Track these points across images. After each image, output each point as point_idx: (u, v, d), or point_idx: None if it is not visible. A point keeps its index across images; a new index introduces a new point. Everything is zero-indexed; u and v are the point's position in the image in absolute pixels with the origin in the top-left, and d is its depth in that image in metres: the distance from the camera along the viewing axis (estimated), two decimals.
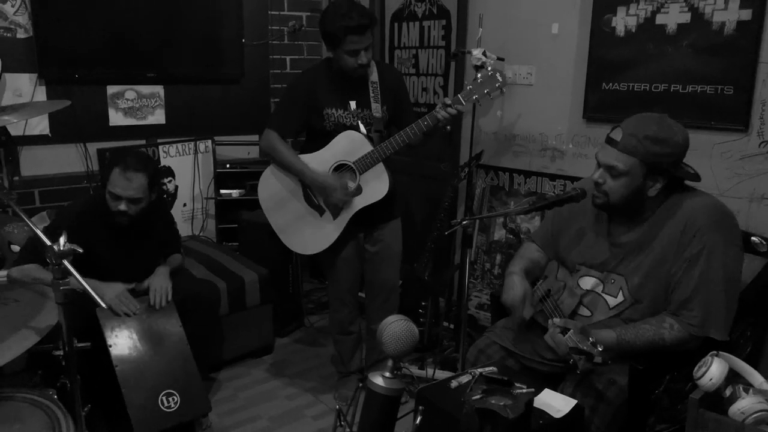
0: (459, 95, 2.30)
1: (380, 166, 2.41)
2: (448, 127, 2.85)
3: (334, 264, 2.63)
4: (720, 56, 2.27)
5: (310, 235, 2.54)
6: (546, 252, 2.13)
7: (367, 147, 2.40)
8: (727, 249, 1.72)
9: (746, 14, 2.19)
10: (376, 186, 2.42)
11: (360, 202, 2.44)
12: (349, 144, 2.42)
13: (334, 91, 2.45)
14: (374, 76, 2.48)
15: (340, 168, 2.45)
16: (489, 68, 2.30)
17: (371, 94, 2.47)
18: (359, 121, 2.46)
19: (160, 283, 2.50)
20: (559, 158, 2.89)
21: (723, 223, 1.75)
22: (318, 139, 2.48)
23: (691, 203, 1.77)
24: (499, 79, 2.28)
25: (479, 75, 2.30)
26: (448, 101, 2.29)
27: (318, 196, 2.49)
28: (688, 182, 1.84)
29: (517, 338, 2.03)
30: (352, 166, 2.42)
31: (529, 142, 3.00)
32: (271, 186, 2.58)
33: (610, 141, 1.78)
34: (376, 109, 2.47)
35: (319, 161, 2.46)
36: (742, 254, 1.79)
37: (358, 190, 2.43)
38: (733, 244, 1.75)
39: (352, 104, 2.46)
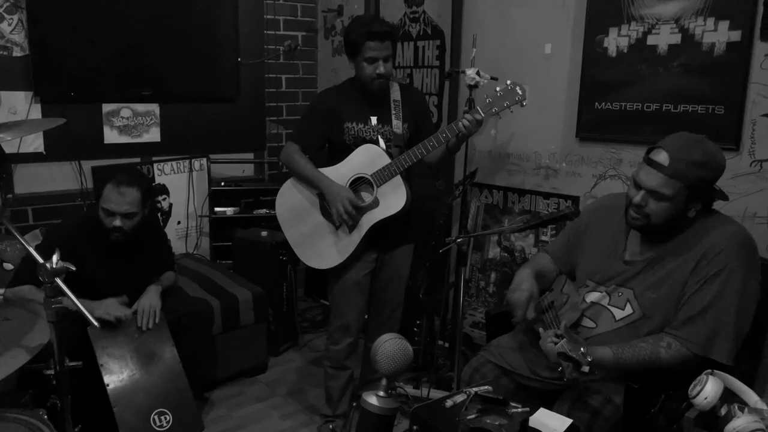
0: (477, 107, 2.30)
1: (398, 179, 2.39)
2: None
3: (346, 288, 2.54)
4: (710, 76, 2.31)
5: (325, 248, 2.50)
6: (558, 264, 2.13)
7: (385, 160, 2.39)
8: (747, 278, 1.71)
9: (735, 35, 2.23)
10: (393, 199, 2.40)
11: (377, 215, 2.41)
12: (367, 157, 2.42)
13: (356, 106, 2.47)
14: (396, 95, 2.50)
15: (358, 181, 2.44)
16: (508, 82, 2.31)
17: (393, 112, 2.48)
18: (379, 136, 2.46)
19: (148, 302, 2.48)
20: (552, 177, 2.91)
21: (747, 252, 1.73)
22: (338, 153, 2.48)
23: (716, 226, 1.76)
24: (519, 92, 2.29)
25: (498, 88, 2.30)
26: (467, 110, 2.30)
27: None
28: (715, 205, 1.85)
29: (513, 356, 2.02)
30: (370, 178, 2.40)
31: (523, 161, 3.02)
32: (289, 200, 2.57)
33: (653, 163, 1.73)
34: (397, 125, 2.47)
35: (337, 174, 2.45)
36: (759, 288, 1.76)
37: (375, 203, 2.42)
38: (754, 275, 1.73)
39: (373, 120, 2.46)
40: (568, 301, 1.95)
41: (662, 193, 1.71)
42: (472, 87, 2.77)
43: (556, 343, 1.70)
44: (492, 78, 2.76)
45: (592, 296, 1.92)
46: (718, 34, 2.27)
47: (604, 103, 2.63)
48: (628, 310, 1.83)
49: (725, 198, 1.80)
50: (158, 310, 2.48)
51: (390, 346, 1.36)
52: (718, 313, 1.68)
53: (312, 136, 2.52)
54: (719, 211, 1.85)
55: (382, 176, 2.39)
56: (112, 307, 2.38)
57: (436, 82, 3.40)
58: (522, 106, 2.32)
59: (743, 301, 1.70)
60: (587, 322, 1.89)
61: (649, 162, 1.74)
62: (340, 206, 2.39)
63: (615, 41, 2.57)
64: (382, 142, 2.46)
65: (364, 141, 2.45)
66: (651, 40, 2.46)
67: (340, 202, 2.39)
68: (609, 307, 1.87)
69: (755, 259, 1.75)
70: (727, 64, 2.26)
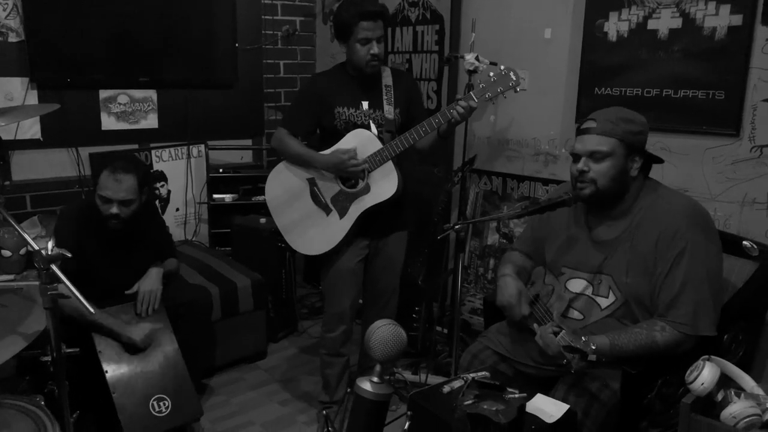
0: (471, 92, 2.28)
1: (389, 165, 2.38)
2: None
3: (339, 275, 2.54)
4: (711, 61, 2.28)
5: (315, 234, 2.49)
6: (531, 258, 2.13)
7: (377, 145, 2.37)
8: (708, 247, 1.77)
9: (737, 20, 2.20)
10: (384, 185, 2.38)
11: (368, 201, 2.40)
12: (358, 142, 2.40)
13: (347, 91, 2.45)
14: (388, 80, 2.48)
15: None
16: (502, 67, 2.28)
17: (384, 96, 2.46)
18: (370, 121, 2.44)
19: (148, 287, 2.47)
20: (552, 163, 2.90)
21: (701, 223, 1.79)
22: (329, 138, 2.47)
23: (667, 203, 1.81)
24: (513, 77, 2.27)
25: (492, 74, 2.28)
26: (460, 97, 2.28)
27: (324, 193, 2.47)
28: (662, 182, 1.90)
29: (511, 342, 2.03)
30: None
31: (522, 147, 3.01)
32: (278, 186, 2.56)
33: (584, 131, 1.83)
34: (389, 110, 2.46)
35: None
36: (721, 252, 1.83)
37: (366, 189, 2.40)
38: (713, 242, 1.79)
39: (365, 104, 2.45)
40: (554, 292, 1.95)
41: (600, 150, 1.79)
42: (472, 72, 2.75)
43: (556, 335, 1.70)
44: (491, 63, 2.74)
45: (575, 284, 1.92)
46: (719, 18, 2.25)
47: (603, 89, 2.61)
48: (611, 297, 1.84)
49: (660, 161, 1.88)
50: (158, 296, 2.48)
51: (383, 332, 1.36)
52: (694, 290, 1.73)
53: (302, 121, 2.51)
54: (661, 183, 1.90)
55: (374, 162, 2.37)
56: (146, 334, 2.37)
57: (435, 68, 3.37)
58: (516, 91, 2.30)
59: (711, 270, 1.76)
60: (575, 314, 1.90)
61: (581, 132, 1.85)
62: (349, 168, 2.36)
63: (615, 26, 2.54)
64: (373, 127, 2.44)
65: (356, 126, 2.43)
66: (652, 24, 2.43)
67: (345, 167, 2.36)
68: (594, 297, 1.88)
69: (709, 226, 1.82)
70: (728, 49, 2.24)
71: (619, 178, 1.81)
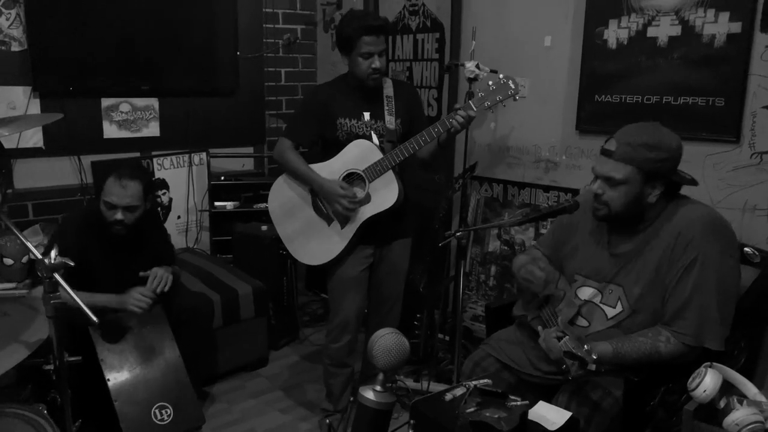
0: (470, 101, 2.29)
1: (390, 175, 2.38)
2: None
3: (343, 284, 2.54)
4: (710, 68, 2.29)
5: (317, 244, 2.50)
6: (550, 260, 2.13)
7: (378, 155, 2.38)
8: (723, 259, 1.73)
9: (736, 27, 2.21)
10: (385, 194, 2.39)
11: (369, 211, 2.41)
12: (359, 152, 2.41)
13: (348, 102, 2.46)
14: (389, 91, 2.50)
15: (350, 176, 2.44)
16: (501, 75, 2.30)
17: (385, 107, 2.47)
18: (372, 132, 2.46)
19: (162, 270, 2.49)
20: (552, 170, 2.90)
21: (718, 233, 1.75)
22: (331, 149, 2.48)
23: (687, 213, 1.77)
24: (512, 86, 2.28)
25: (491, 82, 2.29)
26: (458, 106, 2.30)
27: (326, 204, 2.48)
28: (686, 192, 1.85)
29: (513, 350, 2.03)
30: (362, 174, 2.40)
31: (522, 154, 3.01)
32: (281, 195, 2.57)
33: (605, 152, 1.79)
34: (390, 121, 2.47)
35: (329, 170, 2.45)
36: (739, 265, 1.79)
37: (367, 199, 2.41)
38: (729, 254, 1.75)
39: (366, 115, 2.46)
40: (564, 297, 1.95)
41: (613, 177, 1.75)
42: (472, 80, 2.76)
43: (560, 340, 1.70)
44: (491, 71, 2.75)
45: (584, 292, 1.92)
46: (718, 26, 2.26)
47: (604, 96, 2.62)
48: (619, 308, 1.84)
49: (694, 183, 1.82)
50: (170, 281, 2.49)
51: (386, 341, 1.36)
52: (701, 301, 1.70)
53: (304, 133, 2.52)
54: (690, 198, 1.85)
55: (375, 171, 2.39)
56: (141, 299, 2.39)
57: (436, 75, 3.39)
58: (515, 99, 2.32)
59: (722, 284, 1.72)
60: (581, 321, 1.90)
61: (602, 152, 1.80)
62: (338, 206, 2.39)
63: (615, 33, 2.55)
64: (375, 137, 2.45)
65: (357, 137, 2.45)
66: (651, 32, 2.44)
67: (336, 201, 2.39)
68: (601, 305, 1.87)
69: (727, 238, 1.77)
70: (728, 56, 2.24)
71: (634, 204, 1.77)
